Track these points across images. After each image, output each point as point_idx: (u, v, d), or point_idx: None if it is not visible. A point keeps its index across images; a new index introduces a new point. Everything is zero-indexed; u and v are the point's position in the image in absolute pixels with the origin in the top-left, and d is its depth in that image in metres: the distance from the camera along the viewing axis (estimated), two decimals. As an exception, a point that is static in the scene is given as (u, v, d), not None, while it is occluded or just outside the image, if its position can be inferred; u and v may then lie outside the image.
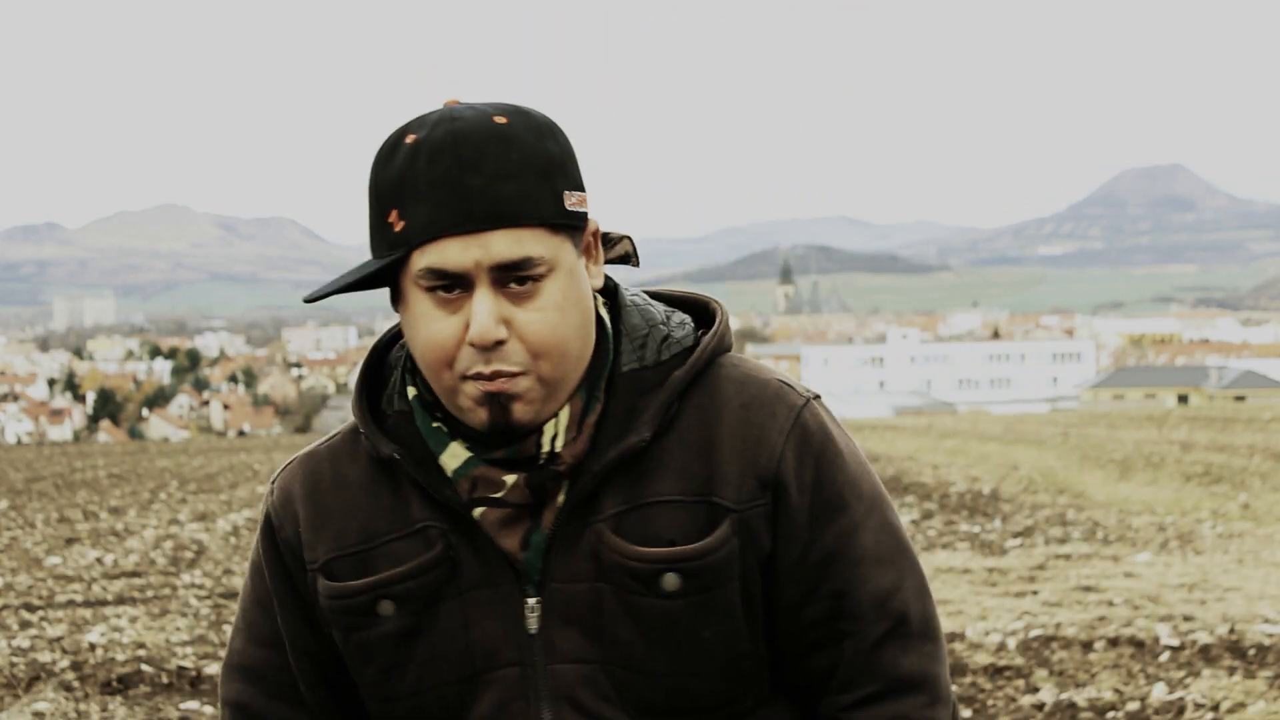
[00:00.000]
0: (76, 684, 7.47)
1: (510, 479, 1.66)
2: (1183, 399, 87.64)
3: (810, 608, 1.70)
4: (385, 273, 1.66)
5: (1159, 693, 6.69)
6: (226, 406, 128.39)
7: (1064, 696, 6.68)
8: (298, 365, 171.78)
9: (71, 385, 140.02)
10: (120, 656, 8.06)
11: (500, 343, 1.61)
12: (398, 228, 1.61)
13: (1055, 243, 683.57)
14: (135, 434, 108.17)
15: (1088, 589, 9.74)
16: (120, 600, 10.37)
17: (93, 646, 8.45)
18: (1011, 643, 7.84)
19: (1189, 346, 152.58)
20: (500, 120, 1.61)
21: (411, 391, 1.73)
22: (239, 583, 11.03)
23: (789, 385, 1.74)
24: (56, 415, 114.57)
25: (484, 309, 1.59)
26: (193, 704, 7.08)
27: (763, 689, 1.74)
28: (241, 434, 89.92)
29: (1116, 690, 6.82)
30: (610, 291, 1.77)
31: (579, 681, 1.67)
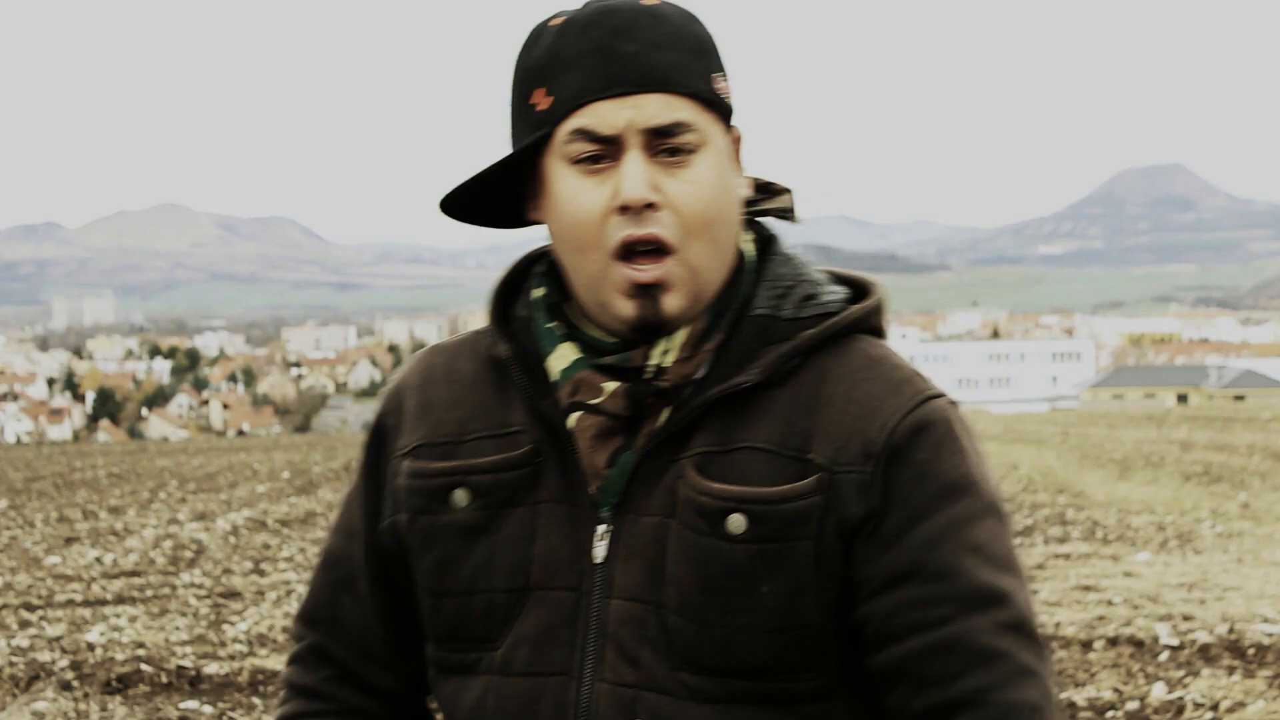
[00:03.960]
0: (76, 683, 7.47)
1: (610, 386, 1.59)
2: (1182, 398, 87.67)
3: (909, 588, 1.54)
4: (522, 170, 1.62)
5: (1158, 692, 6.69)
6: (226, 406, 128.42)
7: (1064, 696, 6.69)
8: (297, 365, 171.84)
9: (71, 385, 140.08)
10: (120, 656, 8.06)
11: (652, 207, 1.55)
12: (543, 105, 1.57)
13: (1055, 242, 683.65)
14: (135, 433, 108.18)
15: (1087, 588, 9.74)
16: (120, 600, 10.37)
17: (92, 646, 8.45)
18: (1011, 642, 7.83)
19: (1188, 346, 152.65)
20: (649, 2, 1.59)
21: (538, 292, 1.67)
22: (238, 582, 11.04)
23: (925, 379, 1.62)
24: (56, 415, 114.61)
25: (635, 168, 1.54)
26: (192, 703, 7.08)
27: (827, 674, 1.58)
28: (241, 433, 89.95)
29: (1116, 690, 6.82)
30: (765, 238, 1.70)
31: (629, 621, 1.58)
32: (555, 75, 1.57)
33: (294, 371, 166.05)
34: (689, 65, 1.57)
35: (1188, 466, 19.51)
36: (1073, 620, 8.45)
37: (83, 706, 7.04)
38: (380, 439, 1.76)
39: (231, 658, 8.04)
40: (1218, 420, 31.84)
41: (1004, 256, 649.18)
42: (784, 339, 1.61)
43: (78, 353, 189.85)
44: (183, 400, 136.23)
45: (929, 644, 1.53)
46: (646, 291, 1.56)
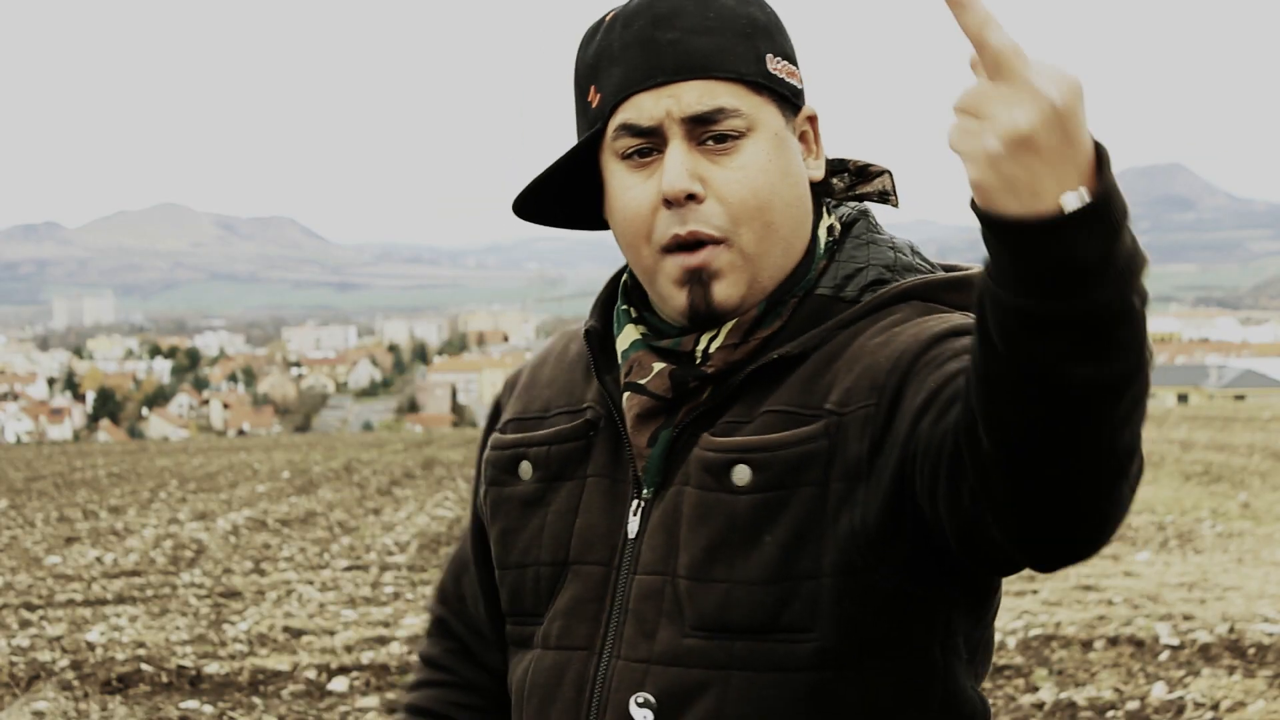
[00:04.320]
0: (76, 683, 7.47)
1: (658, 366, 1.59)
2: (1182, 398, 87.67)
3: (920, 398, 1.43)
4: (592, 170, 1.62)
5: (1159, 692, 6.69)
6: (226, 406, 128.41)
7: (1064, 695, 6.68)
8: (297, 364, 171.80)
9: (71, 384, 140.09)
10: (120, 655, 8.06)
11: (694, 198, 1.53)
12: (595, 102, 1.58)
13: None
14: (135, 433, 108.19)
15: (1087, 588, 9.74)
16: (120, 599, 10.37)
17: (92, 645, 8.45)
18: (1011, 642, 7.84)
19: (1189, 345, 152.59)
20: None
21: (624, 277, 1.69)
22: (239, 582, 11.04)
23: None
24: (56, 414, 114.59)
25: (675, 159, 1.53)
26: (192, 703, 7.08)
27: (826, 638, 1.50)
28: (241, 433, 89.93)
29: (1116, 689, 6.82)
30: (851, 219, 1.66)
31: (648, 595, 1.57)
32: (602, 71, 1.57)
33: (294, 371, 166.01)
34: (733, 48, 1.55)
35: (1188, 466, 19.51)
36: (1073, 620, 8.45)
37: (83, 706, 7.04)
38: (493, 417, 1.81)
39: (232, 657, 8.04)
40: (1218, 420, 31.83)
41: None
42: (841, 316, 1.57)
43: (78, 352, 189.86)
44: (183, 400, 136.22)
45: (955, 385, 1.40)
46: (697, 278, 1.55)
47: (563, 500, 1.64)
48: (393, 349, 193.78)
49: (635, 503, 1.60)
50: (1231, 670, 7.15)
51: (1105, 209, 1.16)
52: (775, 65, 1.58)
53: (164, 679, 7.53)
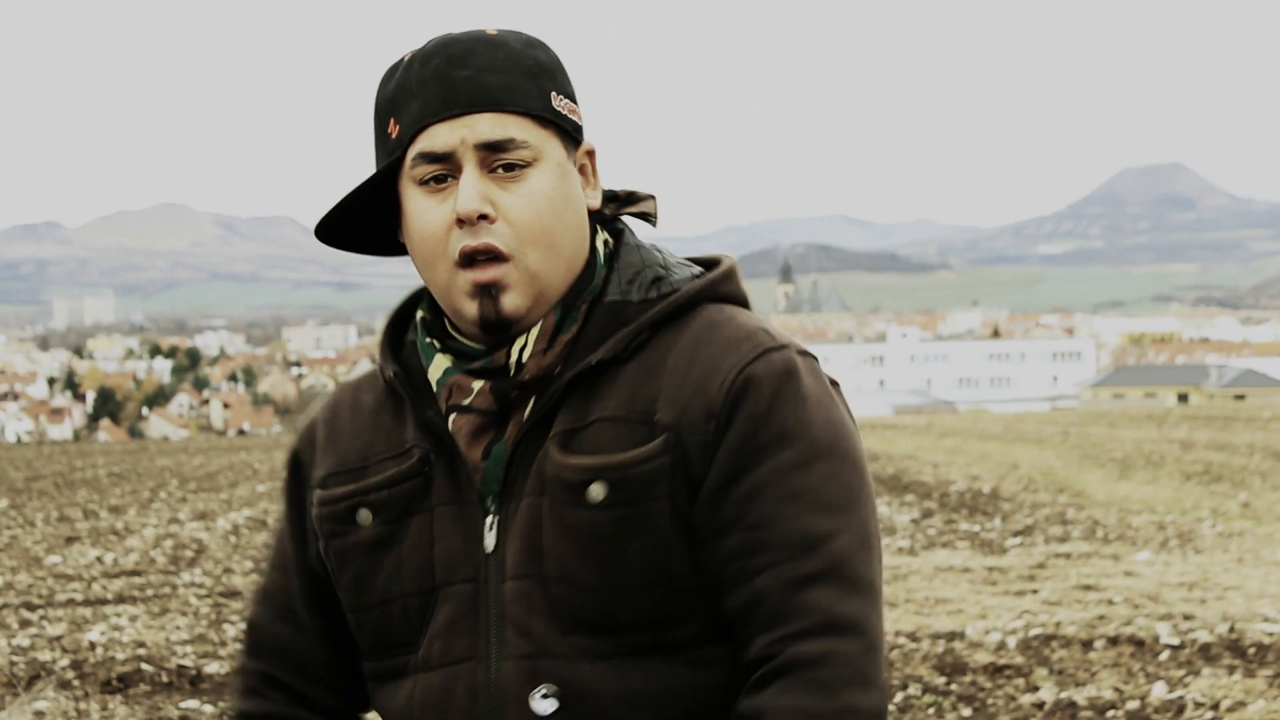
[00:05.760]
0: (76, 683, 7.47)
1: (478, 384, 1.72)
2: (1183, 398, 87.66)
3: (729, 539, 1.64)
4: (387, 196, 1.75)
5: (1159, 692, 6.69)
6: (226, 405, 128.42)
7: (1064, 695, 6.68)
8: (297, 364, 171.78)
9: (71, 384, 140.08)
10: (120, 655, 8.06)
11: (485, 218, 1.67)
12: (394, 133, 1.71)
13: (1055, 242, 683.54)
14: (135, 433, 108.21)
15: (1088, 588, 9.75)
16: (120, 599, 10.37)
17: (93, 645, 8.45)
18: (1011, 641, 7.84)
19: (1189, 345, 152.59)
20: (491, 32, 1.73)
21: (420, 314, 1.80)
22: (239, 581, 11.04)
23: (770, 333, 1.70)
24: (56, 414, 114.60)
25: (469, 183, 1.67)
26: (192, 703, 7.08)
27: (702, 621, 1.68)
28: (241, 433, 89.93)
29: (1116, 689, 6.82)
30: (616, 232, 1.81)
31: (519, 598, 1.69)
32: (402, 105, 1.71)
33: (294, 371, 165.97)
34: (522, 86, 1.69)
35: (1188, 466, 19.51)
36: (1073, 620, 8.45)
37: (83, 706, 7.04)
38: (297, 473, 1.90)
39: (232, 657, 8.04)
40: (1218, 420, 31.84)
41: (1004, 256, 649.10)
42: (633, 318, 1.72)
43: (78, 352, 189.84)
44: (183, 400, 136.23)
45: (745, 598, 1.64)
46: (487, 291, 1.68)
47: (414, 534, 1.75)
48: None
49: (489, 519, 1.71)
50: (1232, 670, 7.15)
51: None
52: (559, 103, 1.72)
53: (164, 679, 7.53)
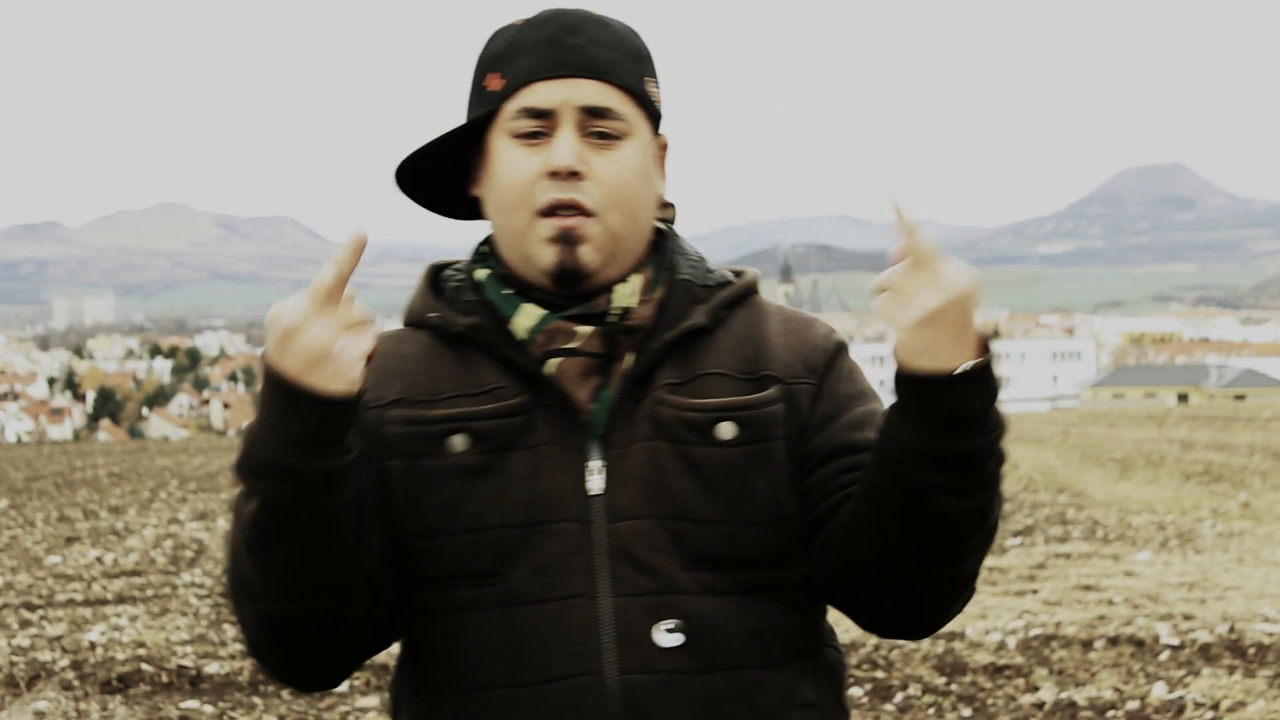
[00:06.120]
0: (76, 683, 7.47)
1: (585, 330, 1.78)
2: (1183, 398, 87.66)
3: (843, 458, 1.80)
4: (468, 142, 1.83)
5: (1159, 692, 6.69)
6: (226, 405, 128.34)
7: (1064, 695, 6.68)
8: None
9: (71, 384, 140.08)
10: (120, 655, 8.06)
11: (577, 175, 1.75)
12: (494, 87, 1.80)
13: (1055, 241, 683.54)
14: (135, 433, 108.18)
15: (1088, 588, 9.75)
16: (120, 599, 10.37)
17: (93, 645, 8.45)
18: (1011, 642, 7.84)
19: (1189, 345, 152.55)
20: (598, 13, 1.84)
21: (483, 272, 1.85)
22: (239, 582, 11.05)
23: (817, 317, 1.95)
24: (56, 414, 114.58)
25: (567, 139, 1.76)
26: (192, 703, 7.08)
27: (803, 564, 1.81)
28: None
29: (1116, 689, 6.82)
30: (664, 229, 1.92)
31: (636, 535, 1.74)
32: (509, 61, 1.80)
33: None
34: (626, 64, 1.81)
35: (1188, 466, 19.51)
36: (1073, 620, 8.45)
37: (83, 706, 7.04)
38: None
39: (232, 657, 8.04)
40: (1218, 420, 31.85)
41: (1004, 256, 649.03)
42: (703, 300, 1.85)
43: (78, 352, 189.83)
44: (183, 400, 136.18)
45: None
46: (566, 239, 1.76)
47: (516, 468, 1.77)
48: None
49: (594, 463, 1.77)
50: (1232, 670, 7.15)
51: (987, 375, 1.64)
52: (651, 88, 1.84)
53: (164, 679, 7.53)
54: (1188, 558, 11.25)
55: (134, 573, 11.72)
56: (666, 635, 1.73)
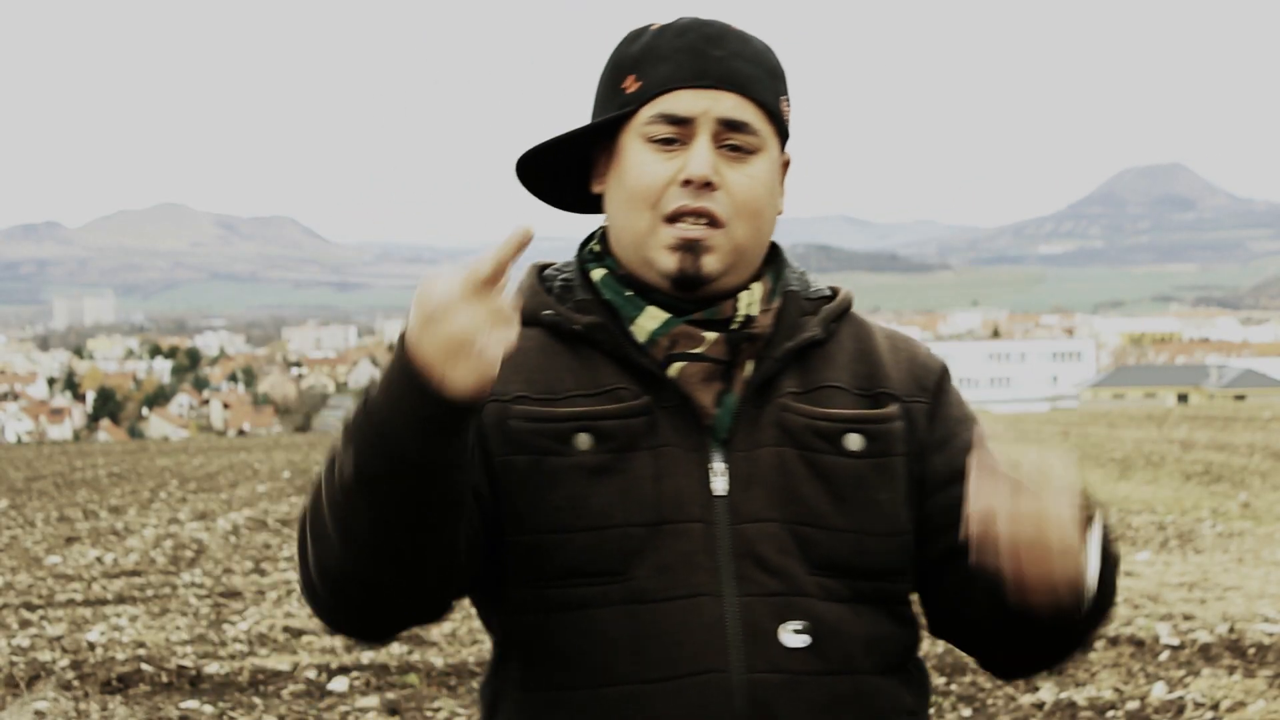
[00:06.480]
0: (76, 683, 7.47)
1: (710, 335, 1.80)
2: (1183, 398, 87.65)
3: (963, 484, 1.79)
4: (596, 149, 1.85)
5: (1159, 692, 6.69)
6: (226, 406, 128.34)
7: (1064, 695, 6.69)
8: (298, 364, 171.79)
9: (71, 384, 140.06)
10: (120, 655, 8.06)
11: (710, 186, 1.77)
12: (631, 89, 1.81)
13: (1055, 242, 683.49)
14: (135, 433, 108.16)
15: (1088, 588, 9.74)
16: (120, 599, 10.37)
17: (93, 645, 8.45)
18: (1011, 642, 7.83)
19: (1189, 345, 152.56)
20: (738, 27, 1.86)
21: (600, 272, 1.86)
22: (239, 581, 11.04)
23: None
24: (56, 414, 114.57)
25: (703, 150, 1.78)
26: (192, 703, 7.08)
27: (911, 579, 1.87)
28: (241, 433, 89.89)
29: (1116, 689, 6.82)
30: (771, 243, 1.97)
31: (762, 538, 1.77)
32: (648, 65, 1.81)
33: (294, 371, 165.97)
34: (765, 81, 1.83)
35: (1188, 466, 19.52)
36: (1073, 620, 8.45)
37: (83, 706, 7.04)
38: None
39: (232, 657, 8.04)
40: (1218, 420, 31.86)
41: (1004, 256, 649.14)
42: (811, 312, 1.89)
43: (78, 352, 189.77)
44: (183, 400, 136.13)
45: None
46: (691, 248, 1.78)
47: (640, 467, 1.78)
48: (393, 349, 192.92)
49: (718, 465, 1.79)
50: (1232, 670, 7.15)
51: (1106, 562, 1.96)
52: (784, 107, 1.86)
53: (164, 679, 7.53)
54: (1188, 558, 11.26)
55: (134, 573, 11.72)
56: (794, 636, 1.76)
